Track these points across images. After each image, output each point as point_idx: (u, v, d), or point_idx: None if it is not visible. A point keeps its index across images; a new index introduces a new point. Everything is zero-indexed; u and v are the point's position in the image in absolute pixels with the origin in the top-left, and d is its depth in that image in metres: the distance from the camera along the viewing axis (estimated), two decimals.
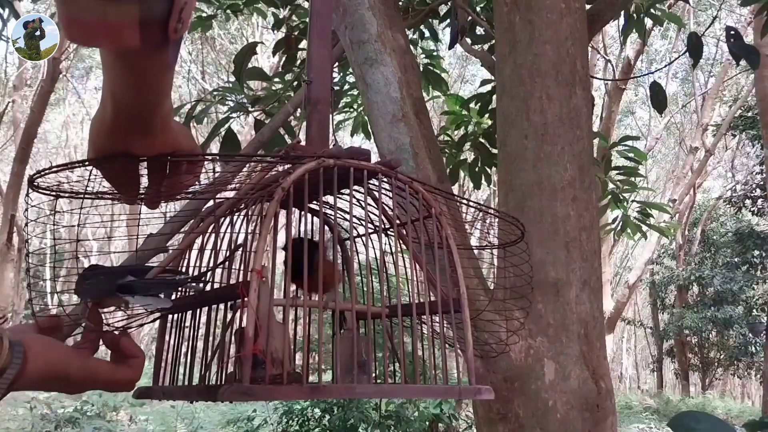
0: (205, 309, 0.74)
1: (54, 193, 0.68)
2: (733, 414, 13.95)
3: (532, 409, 1.54)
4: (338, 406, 5.99)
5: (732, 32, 2.64)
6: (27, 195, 0.67)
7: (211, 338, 0.72)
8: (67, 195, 0.68)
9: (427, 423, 6.05)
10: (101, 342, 0.66)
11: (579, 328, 1.59)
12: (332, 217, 0.81)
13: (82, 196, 0.68)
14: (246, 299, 0.60)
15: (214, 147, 2.51)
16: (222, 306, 0.72)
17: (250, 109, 2.74)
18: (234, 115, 2.72)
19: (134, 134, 0.64)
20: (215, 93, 2.81)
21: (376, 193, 0.75)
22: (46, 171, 0.66)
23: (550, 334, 1.57)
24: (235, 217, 0.73)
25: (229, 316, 0.71)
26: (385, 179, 0.75)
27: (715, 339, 16.21)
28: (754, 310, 15.08)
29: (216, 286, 0.73)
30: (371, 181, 0.74)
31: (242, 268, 0.71)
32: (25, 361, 0.57)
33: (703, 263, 15.88)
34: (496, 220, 1.34)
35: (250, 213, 0.70)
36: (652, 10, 3.10)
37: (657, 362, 18.34)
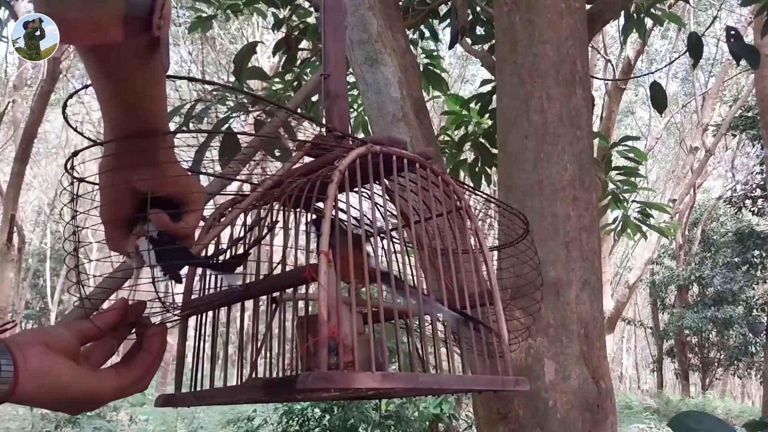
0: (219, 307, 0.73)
1: (84, 180, 0.64)
2: (733, 414, 13.97)
3: (532, 409, 1.54)
4: (338, 406, 5.99)
5: (732, 32, 2.64)
6: (69, 168, 0.62)
7: (273, 330, 0.70)
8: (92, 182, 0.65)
9: (427, 423, 6.05)
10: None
11: (579, 328, 1.59)
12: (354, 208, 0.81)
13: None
14: (315, 282, 0.58)
15: (214, 147, 2.51)
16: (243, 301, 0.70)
17: (250, 109, 2.74)
18: (234, 115, 2.72)
19: (137, 165, 0.60)
20: (215, 93, 2.81)
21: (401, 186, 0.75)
22: (85, 149, 0.63)
23: (550, 334, 1.57)
24: (272, 204, 0.72)
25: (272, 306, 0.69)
26: (422, 170, 0.75)
27: (715, 339, 16.22)
28: (754, 310, 15.09)
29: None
30: (397, 174, 0.74)
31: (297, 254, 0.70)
32: (15, 382, 0.52)
33: (703, 263, 15.89)
34: (496, 220, 1.34)
35: (286, 203, 0.69)
36: (652, 10, 3.10)
37: (657, 362, 18.35)
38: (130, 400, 9.00)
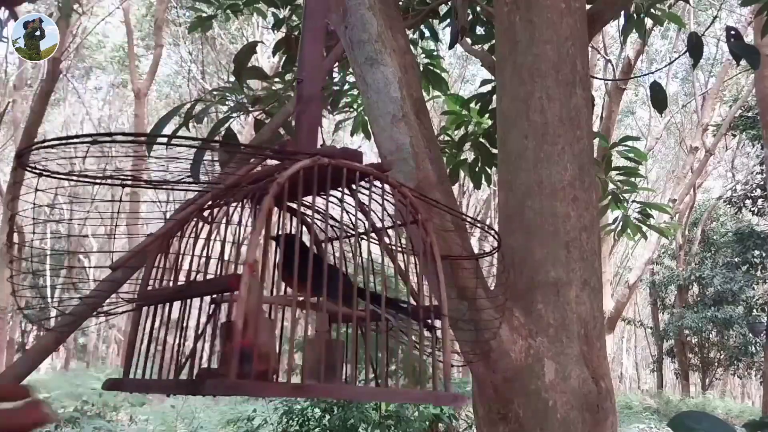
0: (186, 300, 0.73)
1: (39, 171, 0.65)
2: (733, 414, 13.96)
3: (532, 409, 1.54)
4: (338, 406, 5.99)
5: (732, 32, 2.64)
6: (15, 169, 0.63)
7: (196, 331, 0.71)
8: (51, 174, 0.66)
9: (427, 423, 6.05)
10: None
11: (579, 328, 1.59)
12: (314, 217, 0.81)
13: (67, 176, 0.66)
14: (236, 292, 0.59)
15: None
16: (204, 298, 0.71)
17: (250, 108, 2.73)
18: (234, 115, 2.71)
19: None
20: (215, 93, 2.81)
21: (363, 197, 0.75)
22: (36, 146, 0.63)
23: (550, 334, 1.57)
24: (221, 210, 0.73)
25: (212, 308, 0.70)
26: (376, 182, 0.75)
27: (715, 339, 16.22)
28: (754, 310, 15.08)
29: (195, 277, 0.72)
30: (361, 183, 0.74)
31: (231, 261, 0.70)
32: None
33: (703, 263, 15.89)
34: (496, 221, 1.34)
35: (239, 206, 0.70)
36: (652, 10, 3.10)
37: (657, 362, 18.35)
38: (130, 399, 8.99)
